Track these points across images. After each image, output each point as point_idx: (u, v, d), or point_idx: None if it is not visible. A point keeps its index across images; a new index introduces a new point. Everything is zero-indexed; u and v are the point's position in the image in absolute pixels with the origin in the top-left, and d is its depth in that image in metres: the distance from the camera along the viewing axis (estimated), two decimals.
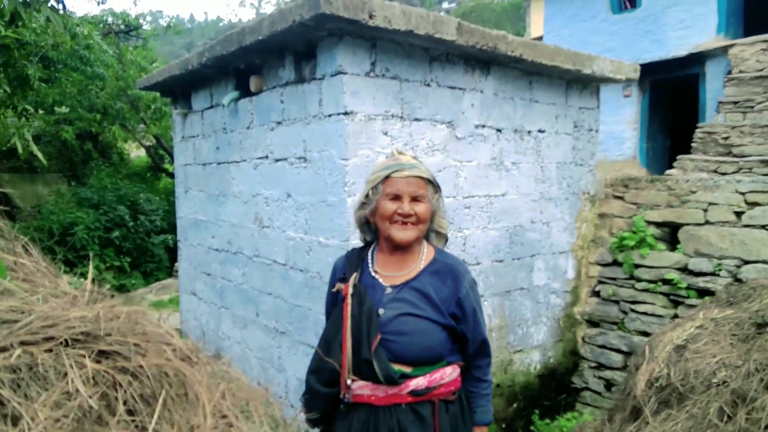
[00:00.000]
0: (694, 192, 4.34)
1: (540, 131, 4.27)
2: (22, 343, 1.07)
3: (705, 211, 4.26)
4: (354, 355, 1.80)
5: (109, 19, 10.73)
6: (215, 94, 4.54)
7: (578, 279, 4.76)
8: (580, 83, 4.54)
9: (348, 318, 1.83)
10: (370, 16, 2.94)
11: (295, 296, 3.74)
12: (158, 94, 7.44)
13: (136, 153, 17.34)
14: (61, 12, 4.06)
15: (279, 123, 3.74)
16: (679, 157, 8.40)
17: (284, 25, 3.10)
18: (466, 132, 3.77)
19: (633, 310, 4.46)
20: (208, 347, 4.83)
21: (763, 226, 3.97)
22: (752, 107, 8.29)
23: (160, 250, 12.51)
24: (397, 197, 1.83)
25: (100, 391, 1.05)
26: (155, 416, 1.03)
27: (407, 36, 3.19)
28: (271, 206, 3.91)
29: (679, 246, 4.39)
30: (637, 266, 4.47)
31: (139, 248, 11.96)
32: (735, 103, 8.47)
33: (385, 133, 3.34)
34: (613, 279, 4.63)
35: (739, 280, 3.95)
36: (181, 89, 5.03)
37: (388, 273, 1.91)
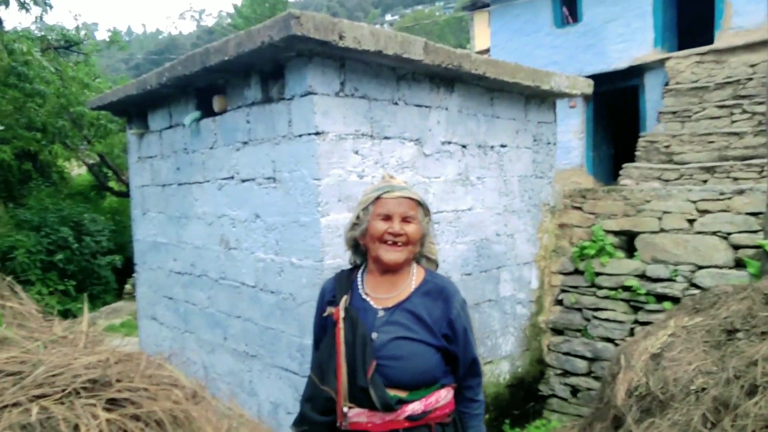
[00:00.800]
0: (648, 201, 4.52)
1: (502, 146, 4.37)
2: (35, 398, 1.02)
3: (659, 219, 4.45)
4: (349, 382, 1.78)
5: (51, 36, 10.32)
6: (174, 114, 4.43)
7: (542, 288, 4.88)
8: (538, 98, 4.67)
9: (341, 344, 1.80)
10: (341, 37, 2.95)
11: (266, 319, 3.68)
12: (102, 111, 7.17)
13: (78, 171, 16.65)
14: None
15: (245, 143, 3.68)
16: (624, 165, 8.77)
17: (252, 46, 3.06)
18: (434, 149, 3.81)
19: (595, 317, 4.59)
20: None
21: (714, 233, 4.17)
22: (690, 117, 8.74)
23: (107, 272, 12.07)
24: (387, 217, 1.84)
25: None
26: None
27: (376, 56, 3.21)
28: (238, 227, 3.84)
29: (636, 253, 4.56)
30: (597, 274, 4.62)
31: (85, 270, 11.48)
32: (674, 113, 8.93)
33: (356, 152, 3.35)
34: (575, 287, 4.77)
35: (694, 285, 4.14)
36: (136, 109, 4.88)
37: (378, 295, 1.89)
